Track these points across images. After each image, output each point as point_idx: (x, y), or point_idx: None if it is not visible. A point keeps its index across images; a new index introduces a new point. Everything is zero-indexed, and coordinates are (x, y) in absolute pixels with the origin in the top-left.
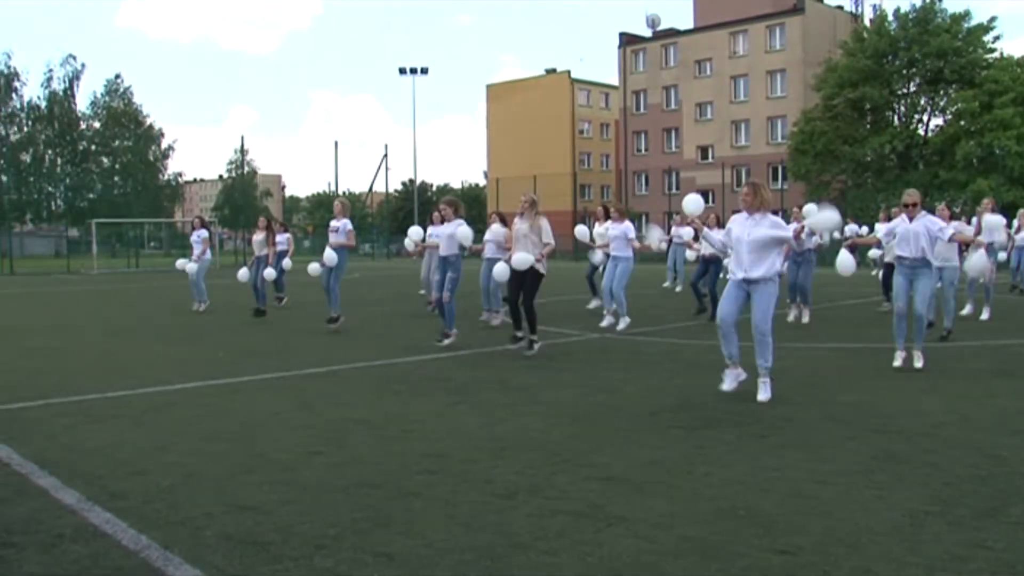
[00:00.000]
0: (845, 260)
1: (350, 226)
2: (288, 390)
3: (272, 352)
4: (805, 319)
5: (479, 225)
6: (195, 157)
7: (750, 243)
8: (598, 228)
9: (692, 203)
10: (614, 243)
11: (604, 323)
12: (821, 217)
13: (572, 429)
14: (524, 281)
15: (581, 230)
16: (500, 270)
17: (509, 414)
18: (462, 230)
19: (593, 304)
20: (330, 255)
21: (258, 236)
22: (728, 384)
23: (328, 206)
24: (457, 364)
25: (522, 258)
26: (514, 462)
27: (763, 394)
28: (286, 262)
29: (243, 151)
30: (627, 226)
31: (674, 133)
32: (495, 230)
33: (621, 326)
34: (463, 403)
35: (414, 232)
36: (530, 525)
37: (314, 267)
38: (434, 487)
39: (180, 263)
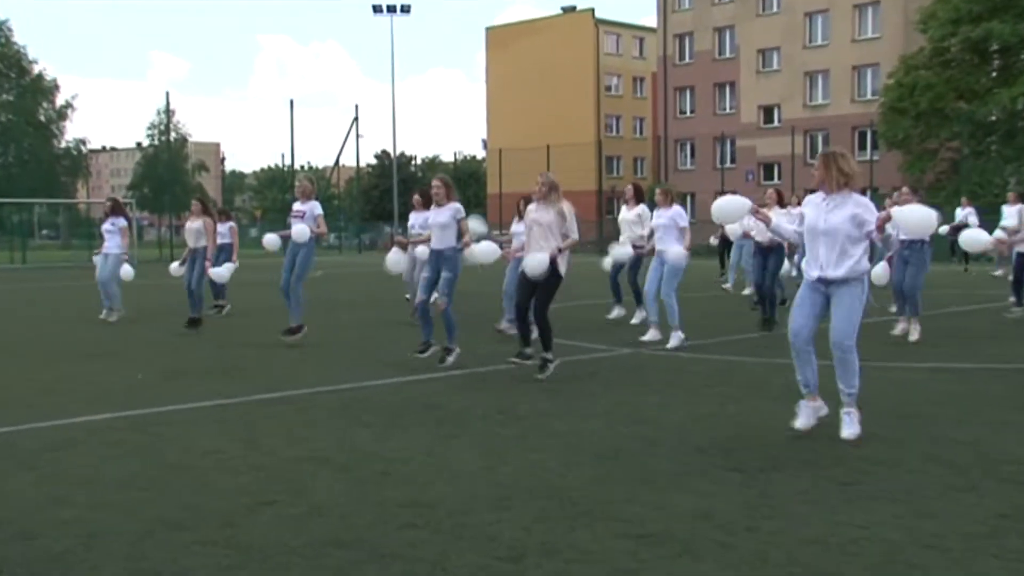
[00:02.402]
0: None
1: (319, 210)
2: (230, 422)
3: (209, 373)
4: (914, 336)
5: (477, 210)
6: (104, 119)
7: (826, 232)
8: (625, 213)
9: (726, 209)
10: (660, 234)
11: (647, 336)
12: (913, 219)
13: (597, 471)
14: (537, 283)
15: (620, 252)
16: (535, 263)
17: (516, 451)
18: (482, 249)
19: (615, 313)
20: (301, 230)
21: (192, 223)
22: (803, 421)
23: (282, 184)
24: (450, 387)
25: (539, 261)
26: (522, 514)
27: (847, 429)
28: (226, 267)
29: (168, 112)
30: (676, 212)
31: (729, 89)
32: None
33: (673, 343)
34: (457, 437)
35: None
36: None
37: (271, 239)
38: (419, 547)
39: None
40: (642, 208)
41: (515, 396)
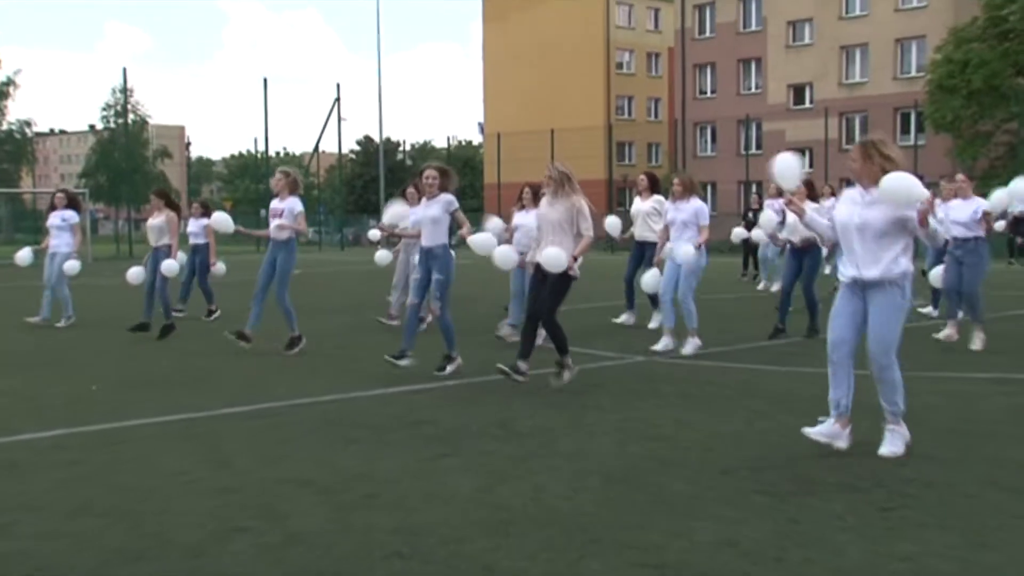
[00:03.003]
0: None
1: (300, 207)
2: (198, 439)
3: (173, 384)
4: (976, 345)
5: (473, 202)
6: (53, 98)
7: (861, 228)
8: (639, 204)
9: (785, 170)
10: (677, 232)
11: (659, 345)
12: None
13: (607, 493)
14: (546, 284)
15: (612, 223)
16: (551, 256)
17: (516, 472)
18: (500, 250)
19: (623, 318)
20: (221, 219)
21: (155, 220)
22: (820, 430)
23: (254, 172)
24: (443, 400)
25: (555, 255)
26: (524, 542)
27: (889, 446)
28: (219, 267)
29: (125, 91)
30: (699, 208)
31: (755, 66)
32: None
33: (688, 349)
34: (451, 456)
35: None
36: None
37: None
38: None
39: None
40: (659, 199)
41: (515, 410)
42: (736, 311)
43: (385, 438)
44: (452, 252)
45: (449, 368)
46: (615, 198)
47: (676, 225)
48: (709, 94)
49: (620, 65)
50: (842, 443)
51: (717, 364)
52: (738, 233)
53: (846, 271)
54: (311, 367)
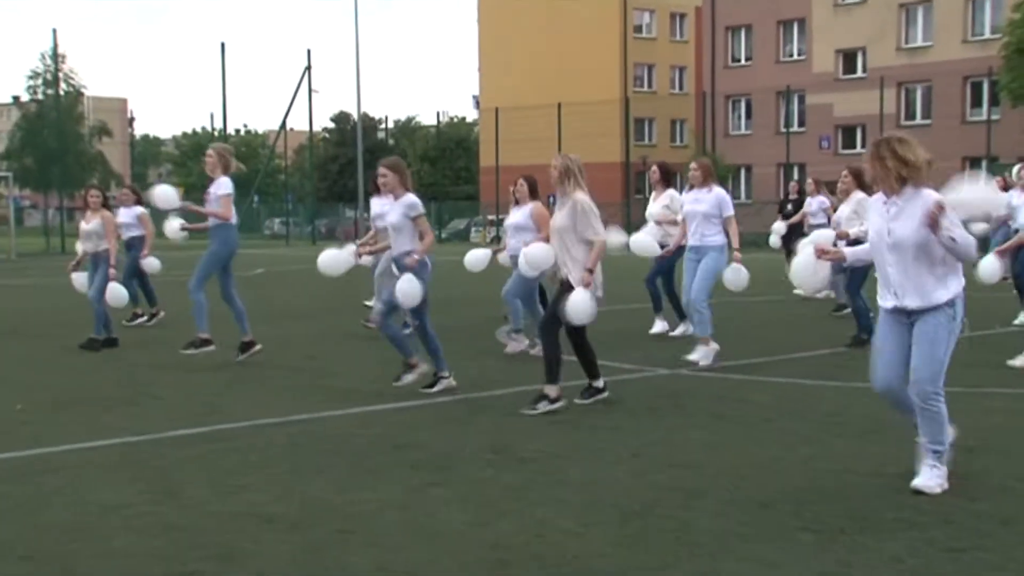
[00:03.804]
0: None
1: (225, 188)
2: (140, 467)
3: (114, 402)
4: None
5: (468, 188)
6: None
7: (895, 247)
8: (651, 205)
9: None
10: (696, 226)
11: (694, 356)
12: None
13: (623, 531)
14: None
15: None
16: (535, 254)
17: (517, 504)
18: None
19: (658, 327)
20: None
21: (89, 225)
22: (923, 480)
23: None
24: (431, 420)
25: (577, 303)
26: None
27: (922, 479)
28: (151, 262)
29: (56, 57)
30: (720, 197)
31: (797, 28)
32: (537, 211)
33: (699, 357)
34: (440, 485)
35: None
36: None
37: (162, 192)
38: None
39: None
40: (672, 195)
41: (515, 432)
42: (775, 316)
43: (363, 465)
44: (427, 260)
45: (438, 386)
46: (632, 184)
47: (697, 219)
48: (743, 62)
49: (639, 28)
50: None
51: (753, 378)
52: (777, 230)
53: (884, 298)
54: (275, 382)
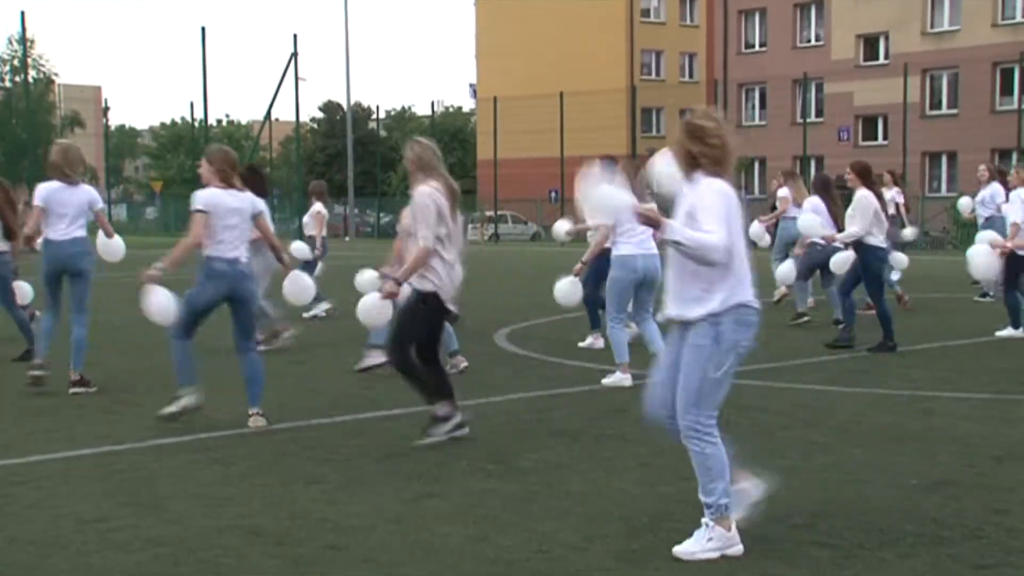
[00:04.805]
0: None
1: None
2: (119, 478)
3: (88, 410)
4: None
5: (464, 183)
6: None
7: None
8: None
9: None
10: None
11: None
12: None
13: (628, 544)
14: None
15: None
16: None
17: (517, 518)
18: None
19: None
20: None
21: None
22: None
23: (191, 145)
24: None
25: (368, 306)
26: None
27: (688, 543)
28: (21, 288)
29: (25, 41)
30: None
31: (815, 12)
32: None
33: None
34: (436, 497)
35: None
36: None
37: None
38: None
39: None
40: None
41: (516, 442)
42: (786, 319)
43: (354, 475)
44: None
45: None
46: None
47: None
48: (758, 48)
49: (646, 12)
50: None
51: (766, 384)
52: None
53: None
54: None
